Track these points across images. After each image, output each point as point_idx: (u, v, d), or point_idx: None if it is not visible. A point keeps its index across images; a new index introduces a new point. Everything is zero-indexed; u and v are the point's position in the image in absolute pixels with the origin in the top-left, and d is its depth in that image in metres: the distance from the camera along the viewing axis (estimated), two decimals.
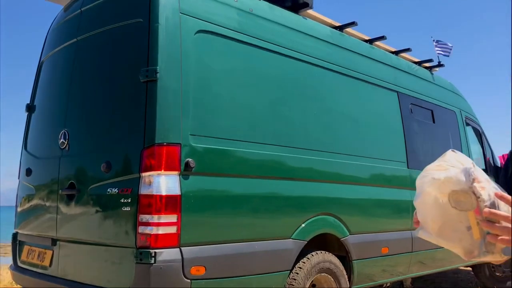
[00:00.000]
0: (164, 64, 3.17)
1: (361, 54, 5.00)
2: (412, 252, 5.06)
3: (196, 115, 3.27)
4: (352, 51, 4.87)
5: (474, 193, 1.12)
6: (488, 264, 7.01)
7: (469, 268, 7.51)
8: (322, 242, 4.16)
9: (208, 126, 3.37)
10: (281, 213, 3.77)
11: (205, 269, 3.18)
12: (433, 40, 6.45)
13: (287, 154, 3.85)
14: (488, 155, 7.00)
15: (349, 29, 5.08)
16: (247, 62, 3.74)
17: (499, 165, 7.25)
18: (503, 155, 7.63)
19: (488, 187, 1.14)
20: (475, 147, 6.79)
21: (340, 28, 4.95)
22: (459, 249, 1.20)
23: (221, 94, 3.49)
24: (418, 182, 1.24)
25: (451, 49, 6.35)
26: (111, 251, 3.26)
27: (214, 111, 3.42)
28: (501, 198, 1.13)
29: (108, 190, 3.26)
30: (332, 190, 4.23)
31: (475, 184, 1.12)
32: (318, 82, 4.36)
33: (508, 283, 7.02)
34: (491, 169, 6.93)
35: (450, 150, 1.22)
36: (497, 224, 1.12)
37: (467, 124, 6.69)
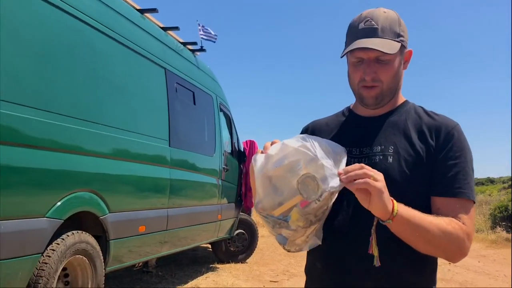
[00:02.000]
0: None
1: (133, 23, 4.71)
2: (166, 230, 5.06)
3: None
4: (125, 17, 4.54)
5: (321, 194, 1.14)
6: (225, 240, 7.64)
7: (208, 245, 8.03)
8: (77, 221, 3.75)
9: None
10: (36, 187, 3.22)
11: None
12: (199, 25, 6.60)
13: (48, 120, 3.30)
14: (235, 140, 7.60)
15: None
16: (8, 2, 3.04)
17: (243, 150, 7.96)
18: (246, 141, 8.42)
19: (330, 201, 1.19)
20: (225, 132, 7.27)
21: None
22: (259, 198, 1.21)
23: None
24: (304, 138, 1.20)
25: (215, 37, 6.60)
26: None
27: None
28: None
29: None
30: (95, 164, 3.84)
31: (328, 191, 1.14)
32: (88, 44, 3.89)
33: (240, 256, 7.80)
34: (235, 153, 7.55)
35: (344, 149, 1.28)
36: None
37: (221, 110, 7.10)
